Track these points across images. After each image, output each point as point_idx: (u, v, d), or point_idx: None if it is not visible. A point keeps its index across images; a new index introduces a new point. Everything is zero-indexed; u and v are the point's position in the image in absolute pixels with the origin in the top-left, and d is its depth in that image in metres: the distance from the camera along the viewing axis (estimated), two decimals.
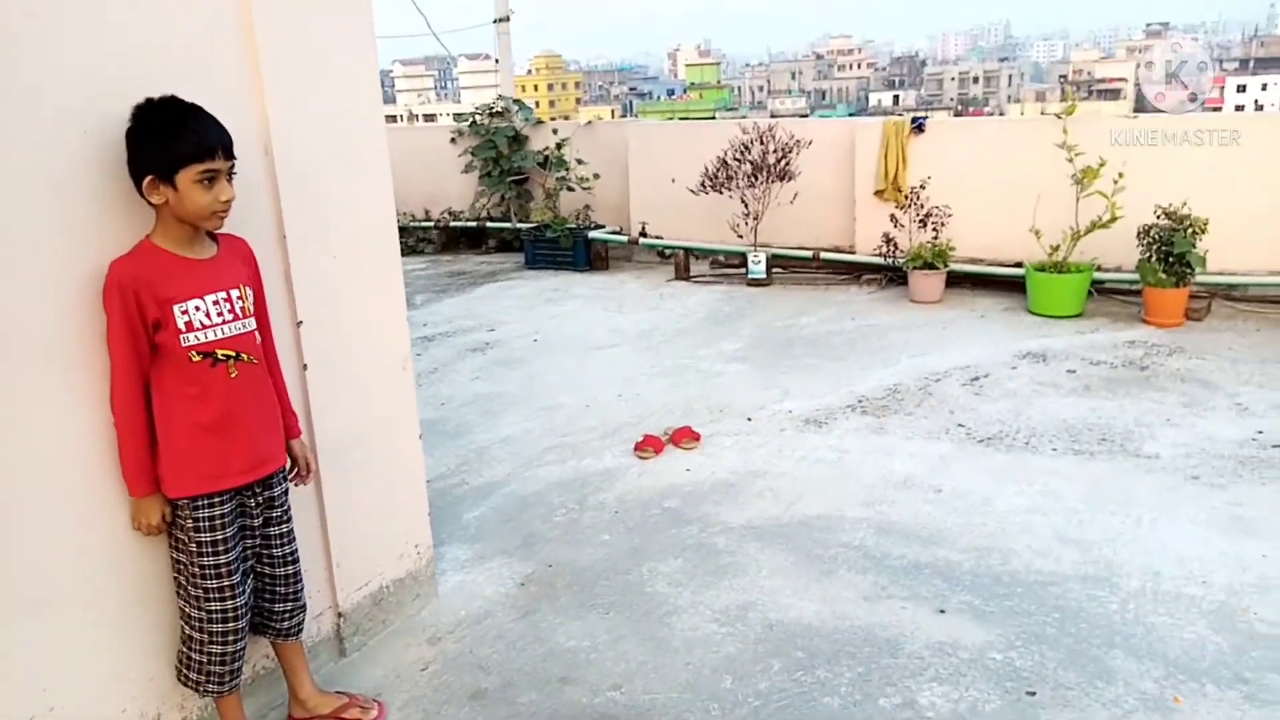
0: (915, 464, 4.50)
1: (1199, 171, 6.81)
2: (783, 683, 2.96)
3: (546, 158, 9.96)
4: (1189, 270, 6.38)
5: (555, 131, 10.06)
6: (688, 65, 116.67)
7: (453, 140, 10.54)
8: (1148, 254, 6.51)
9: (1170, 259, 6.39)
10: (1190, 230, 6.35)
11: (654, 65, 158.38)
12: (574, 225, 9.48)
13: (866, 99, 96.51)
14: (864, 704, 2.84)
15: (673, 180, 8.77)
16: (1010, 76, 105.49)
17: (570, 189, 9.68)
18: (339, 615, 3.11)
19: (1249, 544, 3.63)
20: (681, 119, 18.00)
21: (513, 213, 10.35)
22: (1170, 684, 2.86)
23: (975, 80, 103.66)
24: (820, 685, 2.94)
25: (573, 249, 9.27)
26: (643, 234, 9.15)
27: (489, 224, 10.48)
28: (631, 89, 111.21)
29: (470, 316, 7.69)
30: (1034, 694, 2.85)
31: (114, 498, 2.36)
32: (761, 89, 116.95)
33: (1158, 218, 6.50)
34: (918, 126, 7.90)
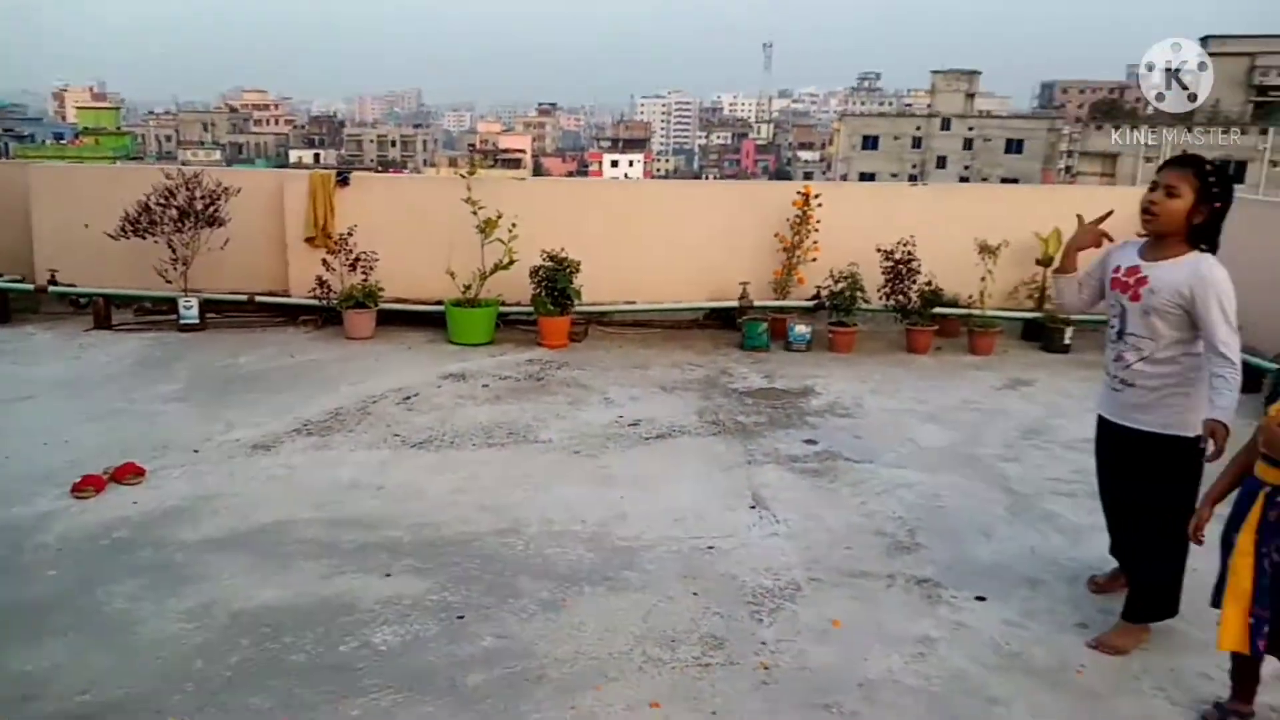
0: (359, 470, 5.09)
1: (573, 223, 8.48)
2: (252, 654, 3.34)
3: None
4: (570, 302, 7.94)
5: None
6: (80, 108, 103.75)
7: None
8: (539, 289, 7.94)
9: (556, 293, 7.88)
10: (569, 270, 7.91)
11: (35, 105, 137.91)
12: None
13: (287, 155, 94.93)
14: (327, 654, 3.36)
15: (86, 225, 8.29)
16: (425, 142, 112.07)
17: None
18: None
19: (612, 492, 4.87)
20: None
21: None
22: (560, 591, 3.83)
23: (394, 143, 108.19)
24: (287, 648, 3.38)
25: None
26: (52, 282, 8.45)
27: None
28: (8, 130, 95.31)
29: None
30: (463, 617, 3.62)
31: None
32: (170, 139, 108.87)
33: (544, 260, 7.96)
34: (342, 180, 8.59)
